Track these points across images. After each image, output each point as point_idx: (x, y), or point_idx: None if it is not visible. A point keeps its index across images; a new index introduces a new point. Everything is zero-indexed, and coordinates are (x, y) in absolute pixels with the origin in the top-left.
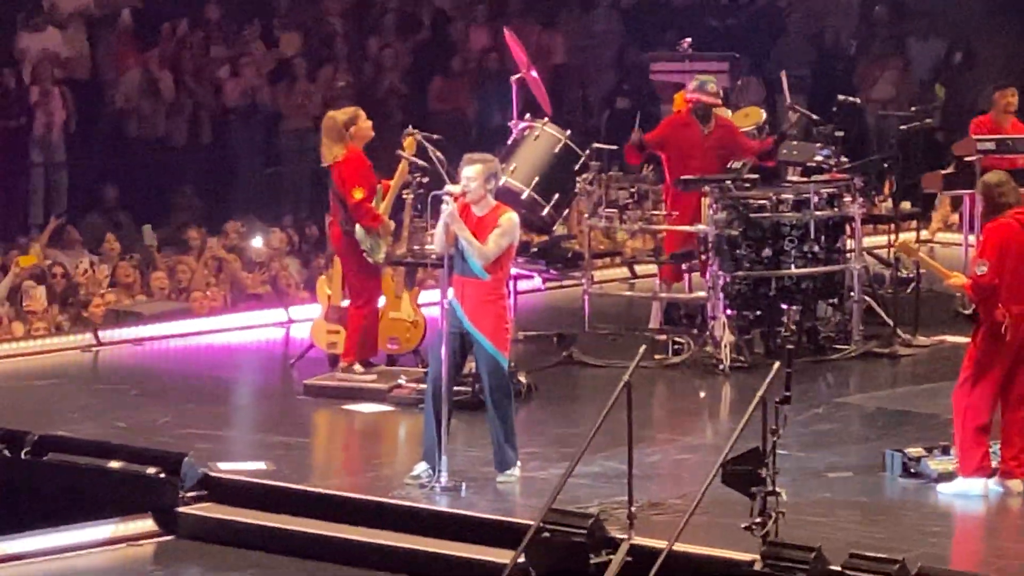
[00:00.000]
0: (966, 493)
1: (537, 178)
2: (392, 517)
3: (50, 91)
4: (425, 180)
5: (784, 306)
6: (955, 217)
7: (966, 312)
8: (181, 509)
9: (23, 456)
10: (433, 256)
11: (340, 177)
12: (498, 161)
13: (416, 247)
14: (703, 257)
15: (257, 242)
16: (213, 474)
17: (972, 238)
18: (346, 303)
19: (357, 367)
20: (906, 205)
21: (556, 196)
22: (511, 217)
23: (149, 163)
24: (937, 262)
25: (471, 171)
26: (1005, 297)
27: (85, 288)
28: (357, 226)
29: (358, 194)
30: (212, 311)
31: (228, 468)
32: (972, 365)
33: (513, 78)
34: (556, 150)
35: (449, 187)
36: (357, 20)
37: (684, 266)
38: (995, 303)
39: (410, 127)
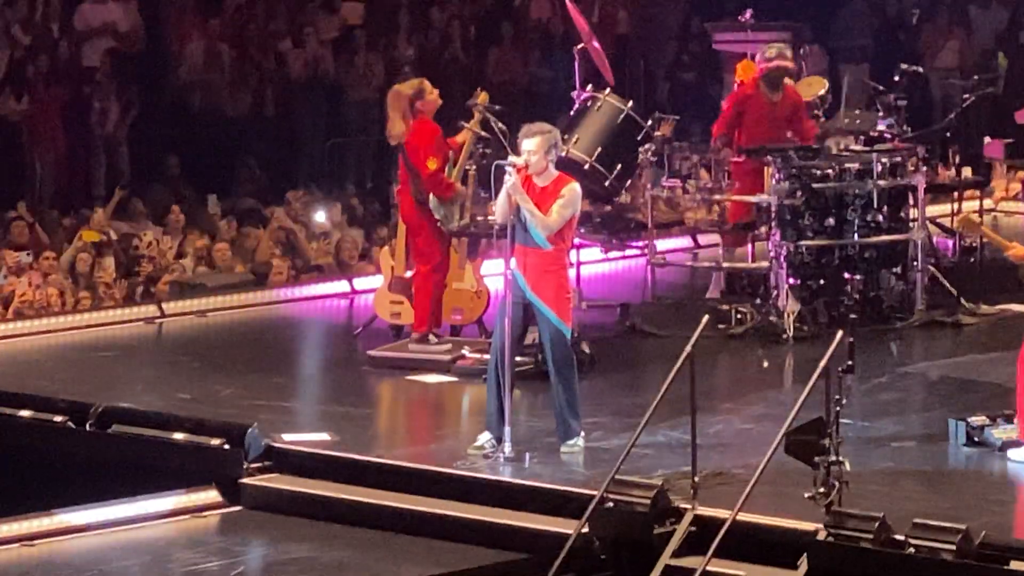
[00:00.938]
0: None
1: (599, 149)
2: (456, 487)
3: (111, 64)
4: (487, 151)
5: (847, 275)
6: (1017, 186)
7: None
8: (245, 480)
9: (87, 428)
10: (496, 226)
11: (413, 149)
12: (558, 131)
13: (479, 218)
14: (766, 228)
15: (320, 217)
16: (277, 445)
17: None
18: (409, 274)
19: (432, 337)
20: (968, 173)
21: (619, 166)
22: (573, 187)
23: (212, 135)
24: (998, 233)
25: (531, 143)
26: None
27: (151, 260)
28: (431, 196)
29: (432, 164)
30: (279, 283)
31: (292, 439)
32: None
33: (575, 48)
34: (618, 120)
35: (512, 158)
36: None
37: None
38: None
39: (474, 97)
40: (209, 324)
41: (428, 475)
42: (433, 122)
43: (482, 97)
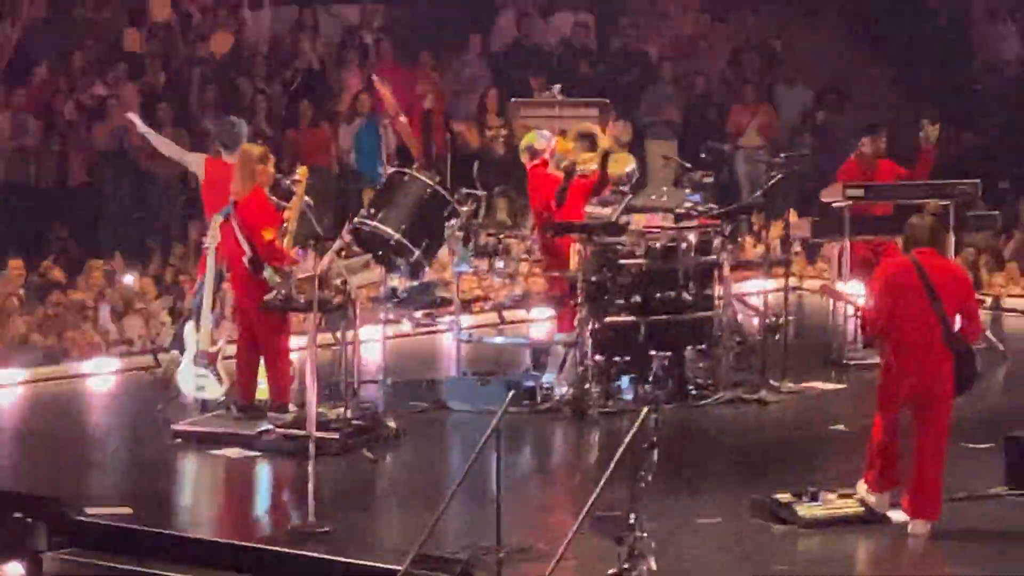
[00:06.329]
0: (873, 507)
1: (406, 224)
2: (257, 561)
3: None
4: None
5: (653, 352)
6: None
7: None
8: (48, 554)
9: None
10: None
11: (245, 217)
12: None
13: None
14: (573, 303)
15: (128, 280)
16: (80, 518)
17: (842, 285)
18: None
19: (292, 406)
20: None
21: (425, 241)
22: None
23: (18, 204)
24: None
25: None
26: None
27: None
28: (266, 267)
29: (268, 235)
30: (86, 353)
31: (95, 512)
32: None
33: (383, 123)
34: (425, 195)
35: None
36: (228, 62)
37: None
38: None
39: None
40: (11, 394)
41: (229, 548)
42: (265, 193)
43: (303, 171)
